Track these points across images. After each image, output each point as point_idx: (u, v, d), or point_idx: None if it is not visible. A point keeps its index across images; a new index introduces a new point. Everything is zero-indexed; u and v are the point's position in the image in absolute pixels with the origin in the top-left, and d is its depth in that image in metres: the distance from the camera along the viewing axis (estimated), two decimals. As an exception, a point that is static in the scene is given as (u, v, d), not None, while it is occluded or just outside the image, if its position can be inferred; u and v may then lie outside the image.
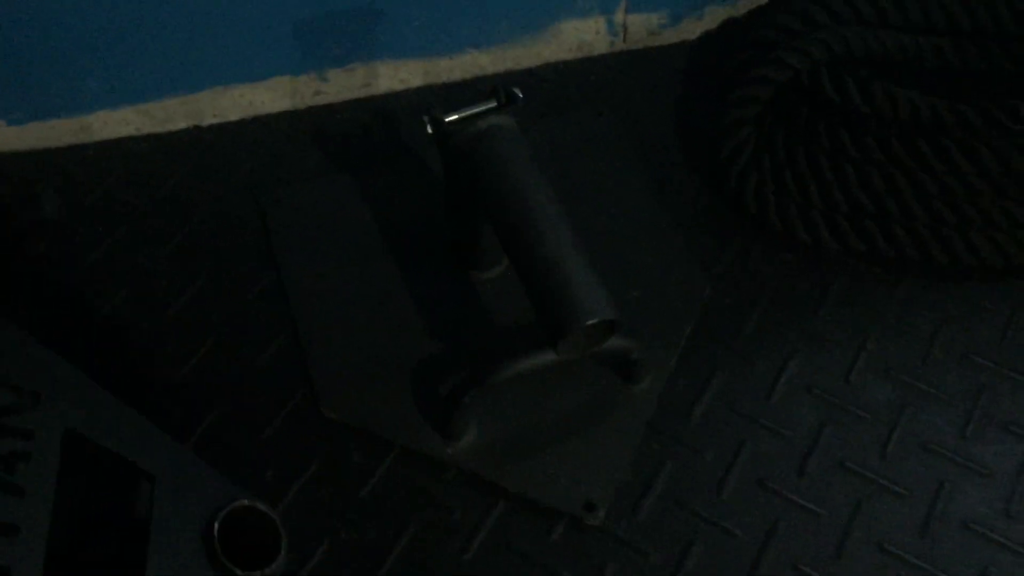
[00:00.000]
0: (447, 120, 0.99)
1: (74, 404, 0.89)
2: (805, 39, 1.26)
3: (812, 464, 1.08)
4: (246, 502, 0.91)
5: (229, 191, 1.28)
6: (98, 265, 1.21)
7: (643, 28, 1.42)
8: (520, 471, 1.06)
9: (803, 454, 1.08)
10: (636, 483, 1.06)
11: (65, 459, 0.83)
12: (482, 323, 1.17)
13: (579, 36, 1.40)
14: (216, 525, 0.88)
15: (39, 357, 0.89)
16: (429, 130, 1.00)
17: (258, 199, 1.26)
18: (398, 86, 1.39)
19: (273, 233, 1.23)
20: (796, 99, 1.30)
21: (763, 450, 1.09)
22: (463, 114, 1.00)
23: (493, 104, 1.01)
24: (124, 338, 1.15)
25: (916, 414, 1.11)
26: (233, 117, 1.35)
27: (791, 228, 1.23)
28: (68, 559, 0.80)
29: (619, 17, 1.39)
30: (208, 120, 1.34)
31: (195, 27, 1.24)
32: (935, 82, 1.28)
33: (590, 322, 0.88)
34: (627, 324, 0.96)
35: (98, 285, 1.19)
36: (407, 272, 1.20)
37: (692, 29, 1.45)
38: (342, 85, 1.36)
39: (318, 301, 1.18)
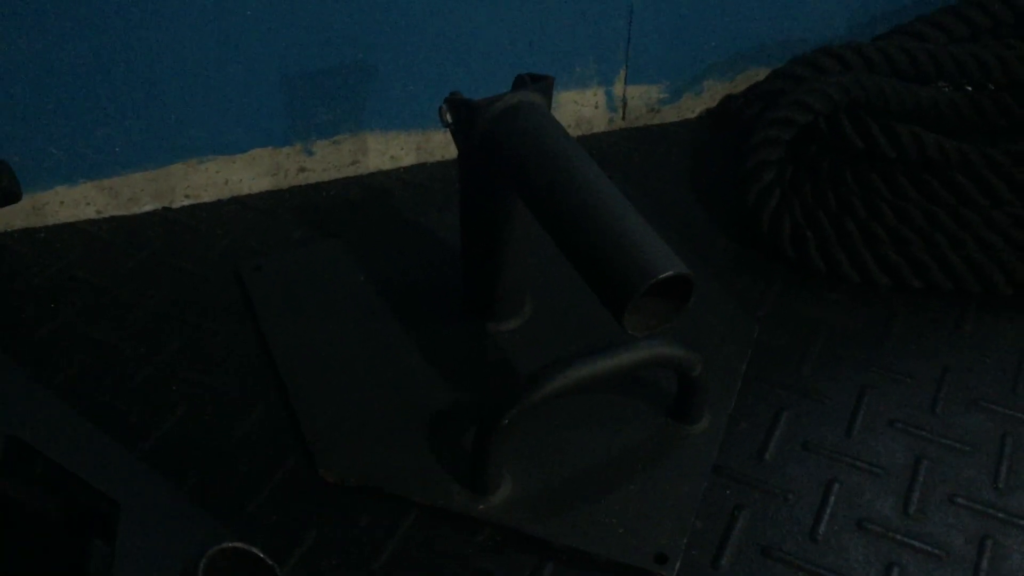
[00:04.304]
0: (472, 101, 0.87)
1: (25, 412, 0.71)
2: (821, 82, 1.20)
3: (917, 502, 0.90)
4: (240, 545, 0.71)
5: (201, 266, 1.13)
6: (48, 340, 1.03)
7: (643, 104, 1.35)
8: (570, 523, 0.86)
9: (904, 492, 0.91)
10: (710, 531, 0.87)
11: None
12: (503, 374, 1.00)
13: (578, 110, 1.32)
14: (201, 566, 0.68)
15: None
16: (448, 119, 0.88)
17: (237, 267, 1.11)
18: (388, 164, 1.28)
19: (255, 298, 1.07)
20: (814, 145, 1.23)
21: (857, 489, 0.91)
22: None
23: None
24: (79, 408, 0.95)
25: (1022, 442, 0.95)
26: (207, 198, 1.22)
27: (836, 268, 1.12)
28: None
29: (618, 89, 1.33)
30: (179, 201, 1.21)
31: (164, 89, 1.13)
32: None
33: (663, 275, 0.72)
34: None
35: (47, 359, 1.01)
36: (410, 328, 1.04)
37: (692, 107, 1.39)
38: (328, 161, 1.25)
39: (309, 361, 1.01)
